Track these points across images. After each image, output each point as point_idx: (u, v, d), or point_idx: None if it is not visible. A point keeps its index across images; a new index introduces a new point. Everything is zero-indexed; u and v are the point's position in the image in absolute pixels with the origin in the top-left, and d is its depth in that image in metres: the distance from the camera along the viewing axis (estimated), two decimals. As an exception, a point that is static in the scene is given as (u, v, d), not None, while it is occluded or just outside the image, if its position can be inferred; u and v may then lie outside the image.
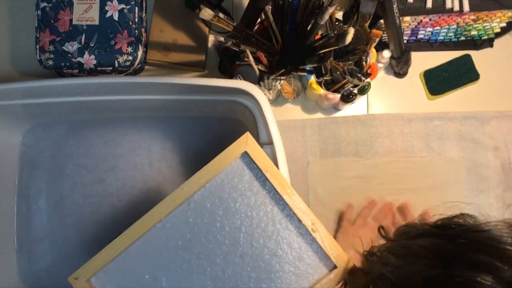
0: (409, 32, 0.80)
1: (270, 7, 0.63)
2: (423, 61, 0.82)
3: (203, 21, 0.80)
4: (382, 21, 0.73)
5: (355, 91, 0.73)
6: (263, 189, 0.56)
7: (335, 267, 0.55)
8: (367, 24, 0.65)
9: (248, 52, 0.63)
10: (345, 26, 0.70)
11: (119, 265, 0.56)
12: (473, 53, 0.82)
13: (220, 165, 0.55)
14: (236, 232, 0.56)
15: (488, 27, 0.80)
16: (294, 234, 0.56)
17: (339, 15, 0.80)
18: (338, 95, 0.72)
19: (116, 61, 0.74)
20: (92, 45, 0.74)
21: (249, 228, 0.56)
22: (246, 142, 0.56)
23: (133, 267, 0.56)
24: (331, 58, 0.59)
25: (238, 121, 0.79)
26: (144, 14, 0.79)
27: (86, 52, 0.74)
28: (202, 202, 0.56)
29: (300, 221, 0.55)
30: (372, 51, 0.68)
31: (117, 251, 0.55)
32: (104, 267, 0.55)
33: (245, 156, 0.56)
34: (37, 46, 0.74)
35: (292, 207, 0.55)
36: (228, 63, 0.77)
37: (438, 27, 0.79)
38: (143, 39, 0.78)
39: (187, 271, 0.56)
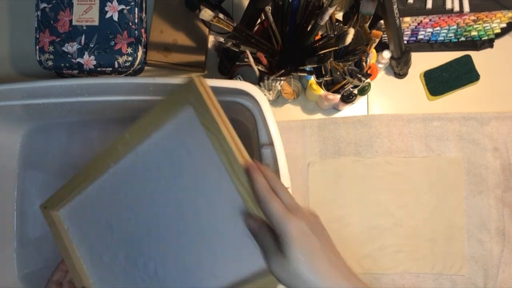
0: (409, 32, 0.80)
1: (270, 8, 0.63)
2: (423, 61, 0.82)
3: (203, 21, 0.79)
4: (382, 21, 0.73)
5: (355, 91, 0.73)
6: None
7: None
8: (367, 25, 0.65)
9: (248, 52, 0.63)
10: (345, 26, 0.70)
11: (81, 203, 0.56)
12: (473, 54, 0.82)
13: (166, 112, 0.48)
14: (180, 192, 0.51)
15: (488, 27, 0.80)
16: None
17: (339, 15, 0.80)
18: (338, 96, 0.72)
19: (116, 62, 0.74)
20: (92, 45, 0.74)
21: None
22: (201, 87, 0.45)
23: (92, 209, 0.55)
24: (331, 59, 0.59)
25: (238, 121, 0.78)
26: (144, 15, 0.79)
27: (86, 53, 0.74)
28: (149, 153, 0.52)
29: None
30: (372, 51, 0.68)
31: (75, 188, 0.54)
32: (69, 203, 0.55)
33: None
34: (37, 47, 0.74)
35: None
36: (228, 64, 0.77)
37: (438, 28, 0.79)
38: (143, 40, 0.78)
39: (135, 222, 0.53)
